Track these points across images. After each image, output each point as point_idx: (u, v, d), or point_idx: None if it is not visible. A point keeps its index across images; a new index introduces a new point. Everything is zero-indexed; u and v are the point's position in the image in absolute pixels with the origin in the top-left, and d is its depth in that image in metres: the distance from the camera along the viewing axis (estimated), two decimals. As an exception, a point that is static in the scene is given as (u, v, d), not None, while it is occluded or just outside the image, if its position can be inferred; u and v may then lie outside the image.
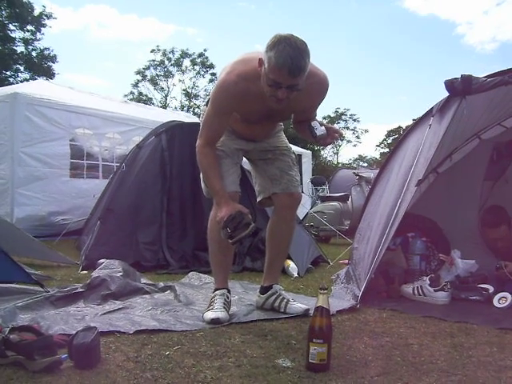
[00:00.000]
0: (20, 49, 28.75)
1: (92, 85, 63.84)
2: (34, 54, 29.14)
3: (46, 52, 29.43)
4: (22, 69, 28.98)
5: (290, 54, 2.39)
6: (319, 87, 2.76)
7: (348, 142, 50.88)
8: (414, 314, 3.10)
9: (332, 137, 2.77)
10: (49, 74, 28.46)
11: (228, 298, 2.96)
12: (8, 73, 28.16)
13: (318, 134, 2.69)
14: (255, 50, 2.73)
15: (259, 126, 2.92)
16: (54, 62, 29.75)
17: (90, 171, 8.24)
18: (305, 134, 2.83)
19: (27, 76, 28.25)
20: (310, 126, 2.70)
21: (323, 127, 2.72)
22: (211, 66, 42.54)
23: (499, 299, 3.39)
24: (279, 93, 2.50)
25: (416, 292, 3.57)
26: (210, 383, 1.88)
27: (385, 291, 3.64)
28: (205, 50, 42.92)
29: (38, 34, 29.02)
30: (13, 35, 27.97)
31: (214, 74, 41.26)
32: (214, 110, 2.73)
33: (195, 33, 67.39)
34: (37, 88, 8.24)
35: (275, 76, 2.45)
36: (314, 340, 2.07)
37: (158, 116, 9.56)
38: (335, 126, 30.53)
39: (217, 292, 2.96)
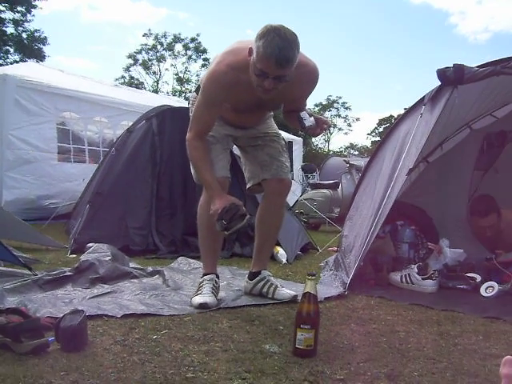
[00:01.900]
0: (10, 30, 28.36)
1: (83, 68, 63.56)
2: (24, 35, 28.72)
3: (36, 34, 28.97)
4: (11, 50, 28.60)
5: (278, 44, 2.38)
6: (309, 77, 2.75)
7: (339, 129, 50.90)
8: (401, 302, 3.12)
9: (321, 128, 2.77)
10: (39, 57, 28.08)
11: (216, 283, 2.96)
12: (-3, 54, 27.86)
13: (306, 125, 2.69)
14: (248, 39, 2.69)
15: (249, 115, 2.91)
16: (44, 45, 29.33)
17: (78, 155, 8.19)
18: (294, 124, 2.82)
19: (17, 58, 27.92)
20: (299, 116, 2.70)
21: (312, 118, 2.72)
22: (204, 51, 42.24)
23: (486, 288, 3.42)
24: (266, 83, 2.49)
25: (404, 280, 3.59)
26: (197, 367, 1.88)
27: (373, 279, 3.66)
28: (197, 35, 42.51)
29: (28, 15, 28.57)
30: (2, 16, 27.52)
31: (206, 60, 40.96)
32: (204, 101, 2.71)
33: (187, 17, 67.01)
34: (26, 70, 8.15)
35: (262, 66, 2.44)
36: (302, 326, 2.08)
37: (148, 100, 9.49)
38: (325, 115, 30.53)
39: (205, 277, 2.95)
